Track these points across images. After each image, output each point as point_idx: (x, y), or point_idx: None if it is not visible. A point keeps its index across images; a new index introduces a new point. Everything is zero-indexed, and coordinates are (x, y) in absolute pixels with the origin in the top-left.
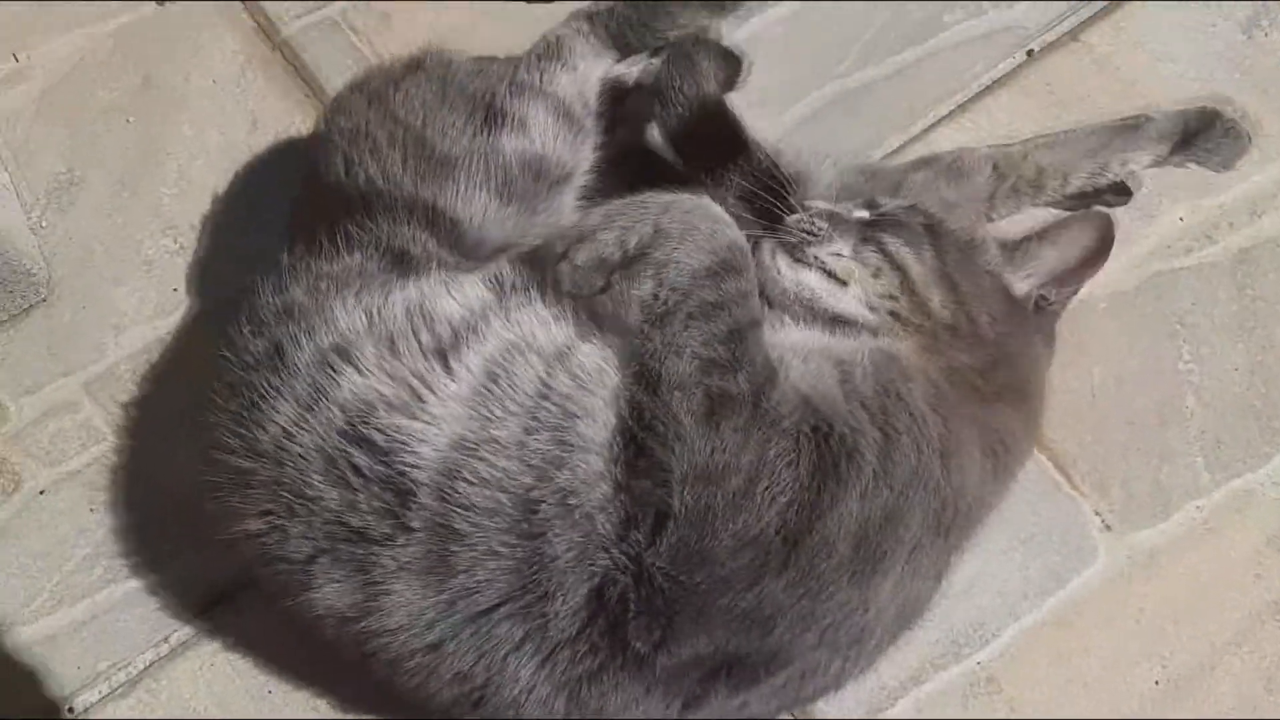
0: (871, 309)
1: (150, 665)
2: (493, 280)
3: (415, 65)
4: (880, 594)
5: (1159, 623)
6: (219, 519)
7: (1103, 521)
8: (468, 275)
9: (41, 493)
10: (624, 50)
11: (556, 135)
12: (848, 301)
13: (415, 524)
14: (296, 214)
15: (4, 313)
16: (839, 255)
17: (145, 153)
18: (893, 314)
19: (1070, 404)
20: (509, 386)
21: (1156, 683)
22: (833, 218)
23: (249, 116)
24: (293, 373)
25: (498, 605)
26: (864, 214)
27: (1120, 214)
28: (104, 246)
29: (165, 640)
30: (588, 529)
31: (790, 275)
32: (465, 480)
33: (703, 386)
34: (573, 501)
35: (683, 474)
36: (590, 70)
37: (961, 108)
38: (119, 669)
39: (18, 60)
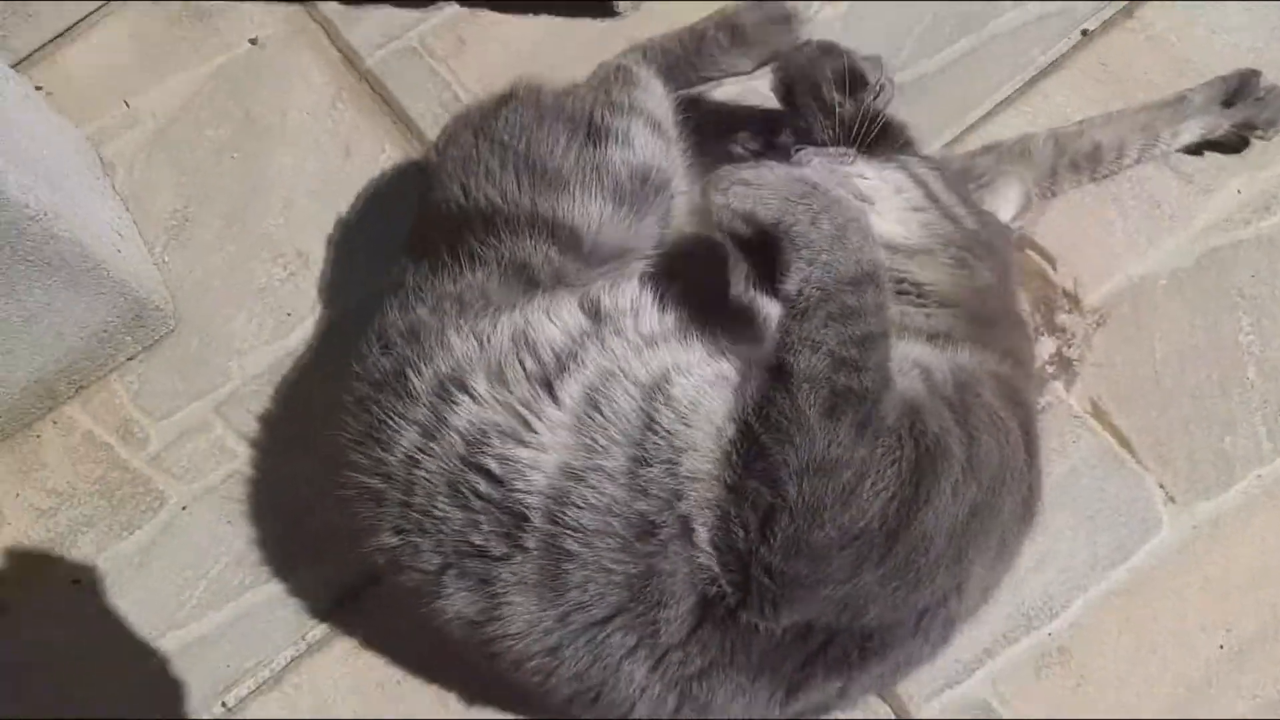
0: (902, 223)
1: (291, 661)
2: (589, 304)
3: (509, 96)
4: (971, 580)
5: (1223, 590)
6: (354, 531)
7: (1166, 494)
8: (566, 299)
9: (184, 509)
10: (673, 82)
11: (654, 145)
12: (879, 222)
13: (530, 544)
14: (416, 242)
15: (138, 345)
16: (863, 176)
17: (251, 186)
18: (924, 226)
19: (1132, 381)
20: (611, 414)
21: (1221, 647)
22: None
23: (343, 144)
24: (415, 398)
25: (611, 617)
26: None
27: (1177, 190)
28: (220, 277)
29: (303, 638)
30: (699, 539)
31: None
32: (575, 505)
33: (830, 382)
34: (695, 527)
35: (800, 466)
36: (662, 92)
37: (1019, 92)
38: (264, 666)
39: (128, 106)
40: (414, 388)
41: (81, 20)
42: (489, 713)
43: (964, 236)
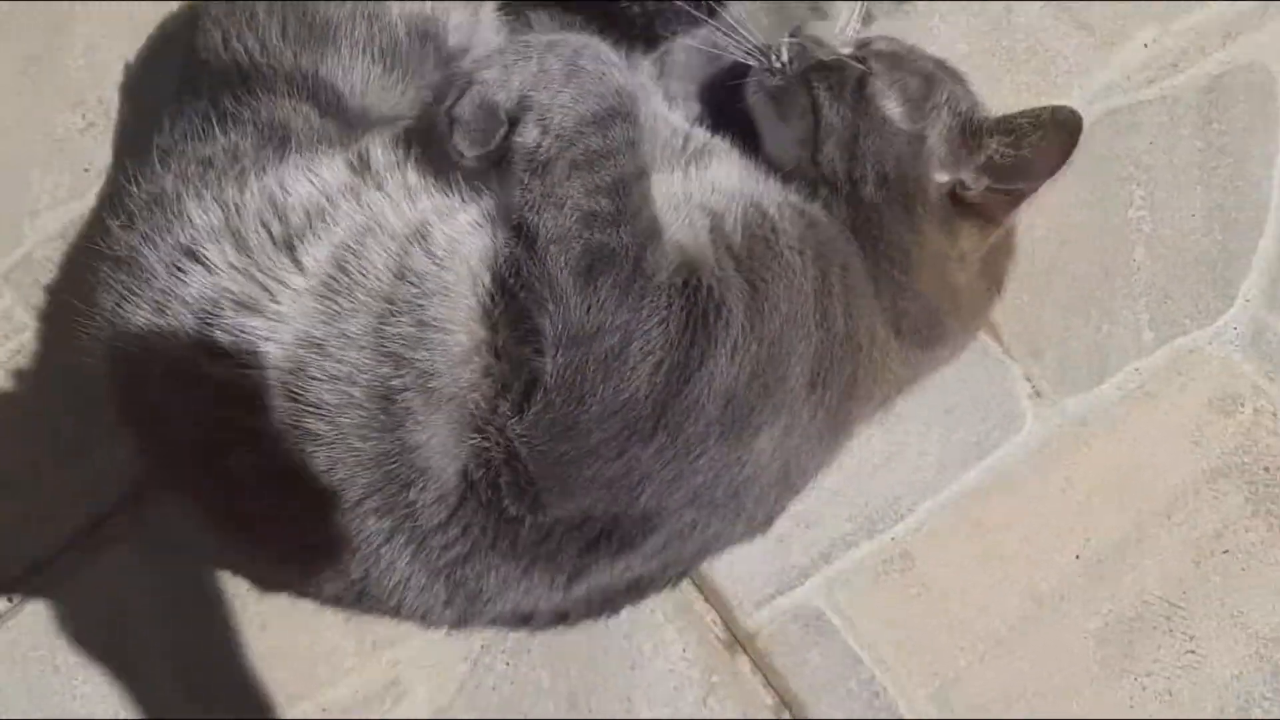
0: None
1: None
2: (357, 159)
3: None
4: (755, 450)
5: (1086, 495)
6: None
7: (1033, 387)
8: (329, 156)
9: None
10: None
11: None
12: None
13: (266, 427)
14: (177, 98)
15: None
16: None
17: (53, 25)
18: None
19: None
20: (360, 274)
21: (1077, 557)
22: (803, 52)
23: None
24: (150, 275)
25: (363, 499)
26: (847, 50)
27: (1076, 41)
28: (14, 126)
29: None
30: (455, 411)
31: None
32: (314, 378)
33: (583, 240)
34: (434, 384)
35: (556, 336)
36: None
37: None
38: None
39: None
40: (146, 263)
41: None
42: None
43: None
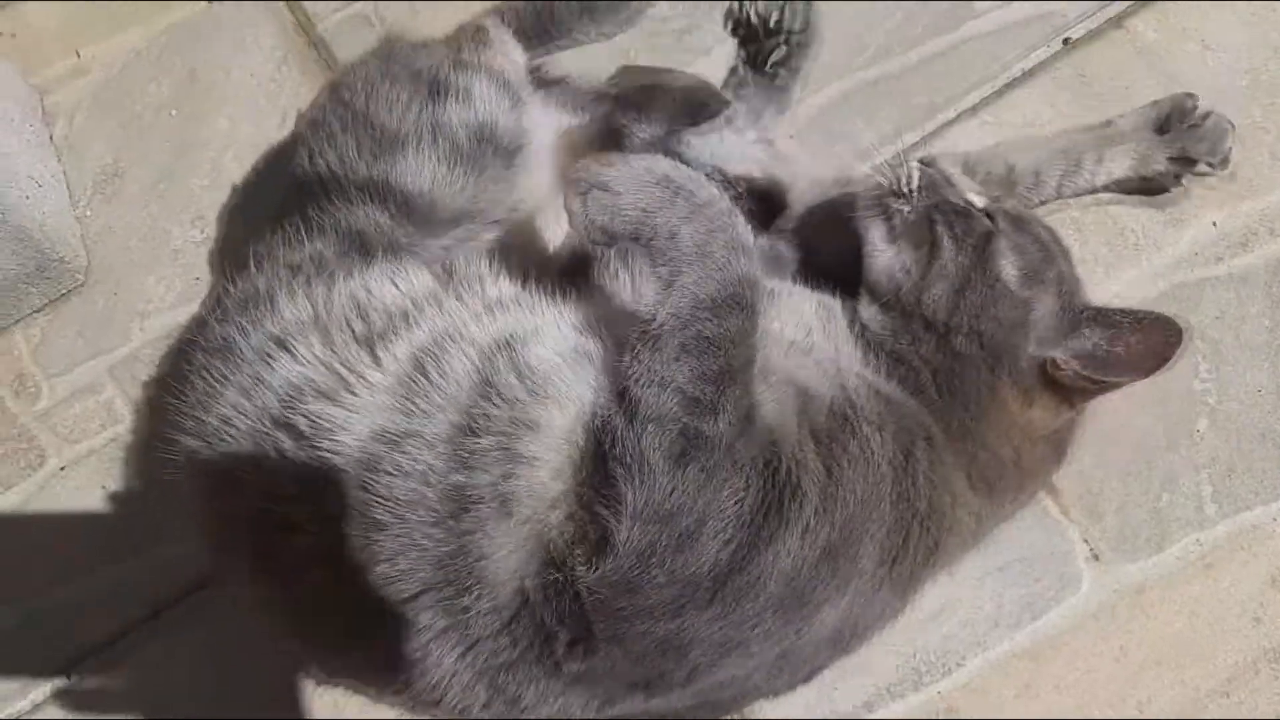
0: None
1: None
2: (441, 269)
3: (370, 54)
4: (814, 623)
5: (1141, 663)
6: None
7: (1091, 550)
8: (416, 263)
9: (61, 469)
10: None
11: (498, 104)
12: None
13: (335, 512)
14: (279, 211)
15: (43, 298)
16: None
17: (184, 145)
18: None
19: None
20: (439, 378)
21: None
22: (933, 186)
23: (281, 111)
24: (240, 361)
25: (420, 594)
26: (977, 200)
27: (1145, 218)
28: (139, 236)
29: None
30: (529, 541)
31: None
32: (386, 472)
33: (679, 425)
34: (514, 510)
35: (636, 509)
36: (516, 53)
37: (986, 101)
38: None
39: (79, 56)
40: (240, 351)
41: None
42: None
43: (919, 315)
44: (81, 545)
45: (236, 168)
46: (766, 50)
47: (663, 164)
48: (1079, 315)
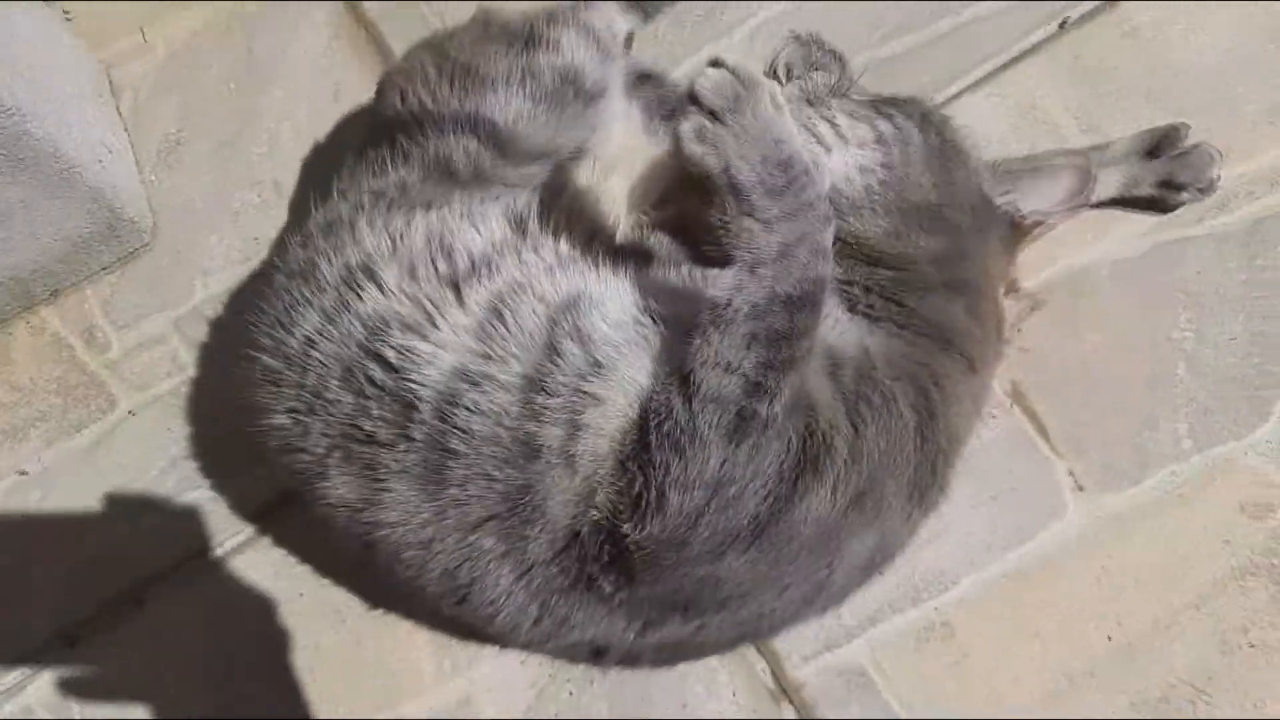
0: (849, 180)
1: (208, 563)
2: (515, 216)
3: (469, 22)
4: (844, 556)
5: (1120, 583)
6: (249, 411)
7: (1076, 482)
8: (492, 205)
9: (130, 413)
10: (642, 13)
11: (587, 53)
12: (831, 166)
13: (417, 435)
14: (358, 151)
15: (113, 256)
16: (833, 122)
17: (243, 117)
18: (867, 189)
19: (1058, 368)
20: (515, 327)
21: (1110, 638)
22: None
23: (333, 85)
24: (323, 286)
25: (486, 520)
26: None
27: None
28: (202, 200)
29: (222, 544)
30: (584, 488)
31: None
32: (465, 408)
33: (738, 407)
34: (575, 464)
35: (689, 480)
36: (615, 16)
37: (989, 76)
38: (181, 563)
39: (144, 36)
40: (323, 276)
41: None
42: (379, 622)
43: (911, 207)
44: (151, 482)
45: (292, 136)
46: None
47: (794, 144)
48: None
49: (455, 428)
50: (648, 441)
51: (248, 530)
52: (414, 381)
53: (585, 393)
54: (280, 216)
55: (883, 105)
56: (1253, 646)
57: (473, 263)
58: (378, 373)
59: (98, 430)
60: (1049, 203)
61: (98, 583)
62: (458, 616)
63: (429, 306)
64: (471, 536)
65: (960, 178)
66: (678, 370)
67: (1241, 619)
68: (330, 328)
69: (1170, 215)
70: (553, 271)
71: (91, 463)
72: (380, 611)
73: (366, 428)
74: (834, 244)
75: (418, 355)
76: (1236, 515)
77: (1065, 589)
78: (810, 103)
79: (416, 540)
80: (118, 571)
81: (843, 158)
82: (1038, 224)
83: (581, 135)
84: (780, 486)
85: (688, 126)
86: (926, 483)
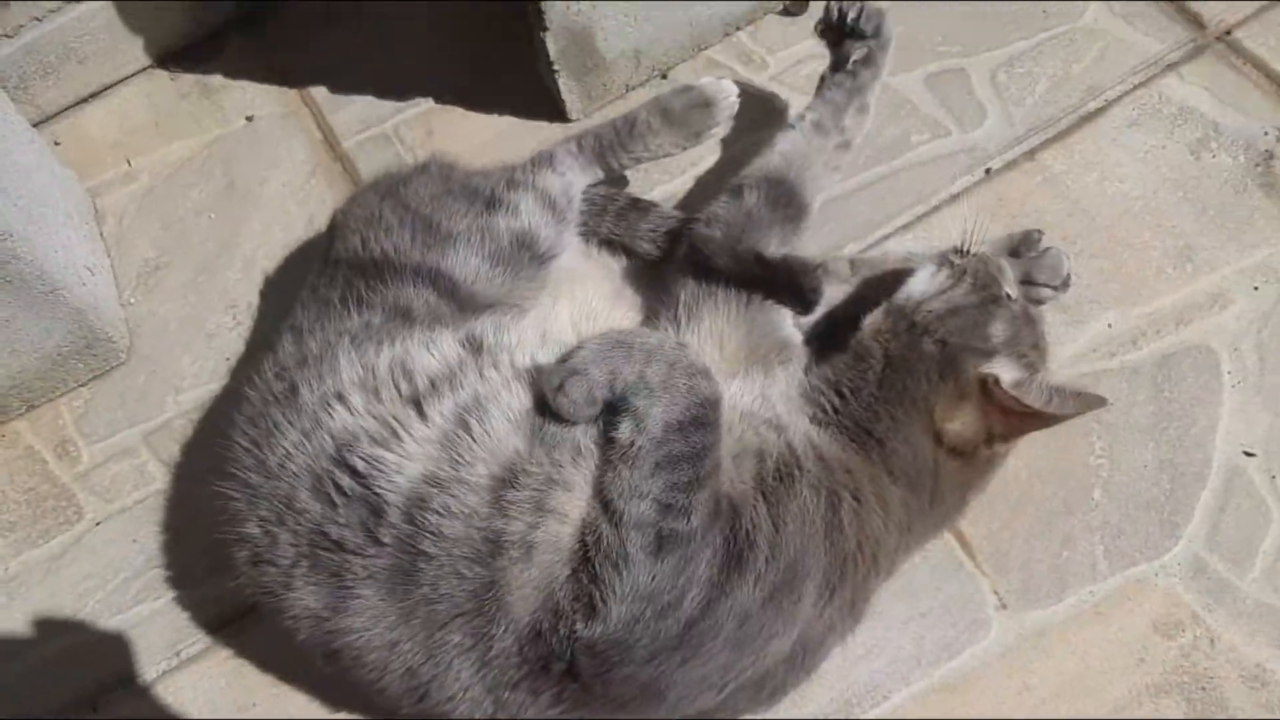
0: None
1: (162, 674)
2: (468, 340)
3: (421, 168)
4: (768, 654)
5: (1043, 696)
6: (220, 522)
7: (999, 599)
8: (445, 334)
9: (96, 524)
10: (607, 169)
11: (543, 219)
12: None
13: (386, 539)
14: (310, 288)
15: (89, 372)
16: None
17: (221, 244)
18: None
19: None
20: (481, 433)
21: None
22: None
23: (309, 215)
24: (301, 409)
25: (455, 617)
26: (1011, 289)
27: (1051, 319)
28: (177, 321)
29: (177, 654)
30: (544, 583)
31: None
32: (435, 511)
33: (656, 529)
34: (536, 556)
35: (623, 593)
36: (575, 179)
37: (918, 220)
38: (135, 676)
39: (130, 165)
40: (303, 400)
41: (106, 88)
42: None
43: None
44: (112, 592)
45: (268, 263)
46: (847, 51)
47: (611, 333)
48: (1024, 352)
49: (425, 531)
50: (589, 555)
51: (205, 640)
52: (381, 488)
53: (555, 480)
54: (253, 337)
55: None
56: None
57: (432, 382)
58: (346, 480)
59: (64, 540)
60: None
61: (54, 687)
62: (415, 715)
63: (393, 423)
64: (439, 634)
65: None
66: (601, 498)
67: None
68: (305, 443)
69: (1087, 349)
70: (510, 384)
71: (56, 571)
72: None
73: (334, 535)
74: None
75: (384, 464)
76: (1150, 634)
77: (990, 702)
78: None
79: (381, 642)
80: (74, 678)
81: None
82: None
83: (534, 290)
84: (712, 589)
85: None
86: (838, 583)
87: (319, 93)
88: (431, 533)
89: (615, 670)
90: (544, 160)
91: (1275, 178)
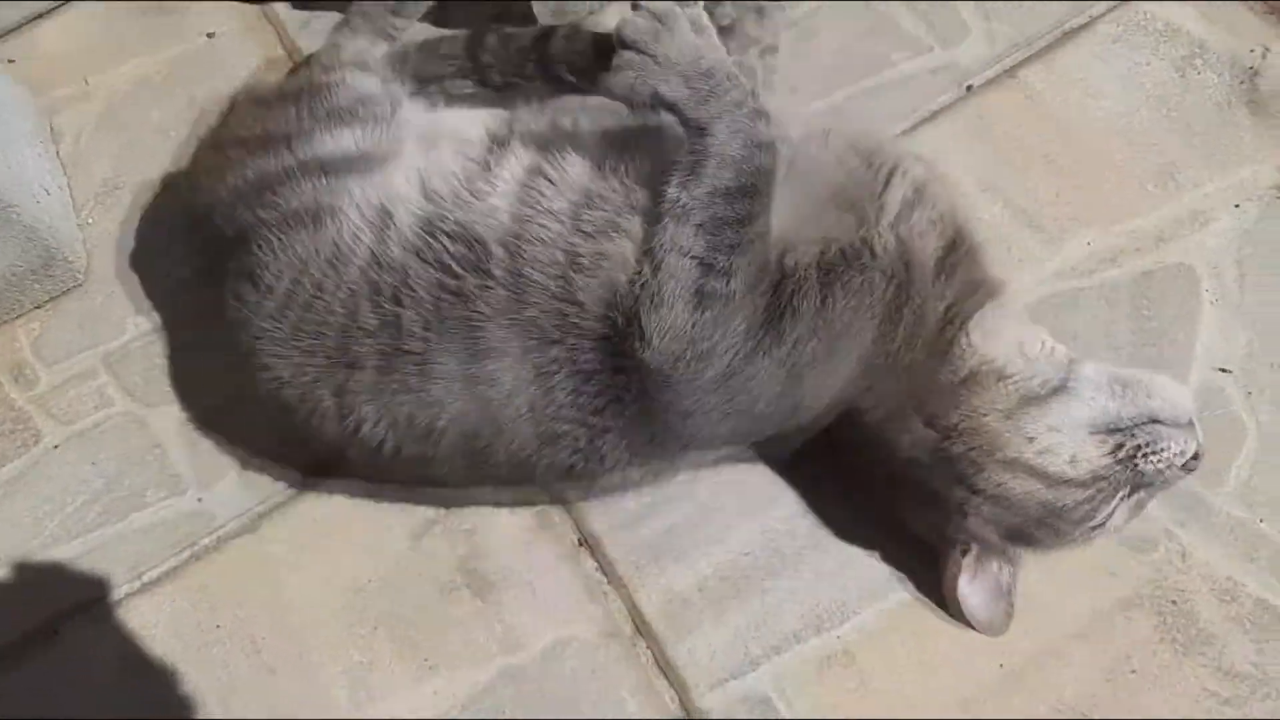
0: None
1: (124, 597)
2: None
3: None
4: (799, 408)
5: (1014, 613)
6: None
7: None
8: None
9: (55, 447)
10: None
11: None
12: None
13: (496, 272)
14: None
15: (46, 294)
16: None
17: (179, 162)
18: None
19: None
20: (563, 172)
21: (1001, 666)
22: None
23: None
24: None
25: (553, 343)
26: None
27: (1029, 237)
28: (136, 241)
29: (139, 577)
30: (613, 304)
31: None
32: (528, 240)
33: (696, 284)
34: (602, 273)
35: (663, 330)
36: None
37: (903, 135)
38: (95, 600)
39: (87, 84)
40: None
41: (61, 4)
42: (294, 652)
43: None
44: (71, 515)
45: None
46: None
47: (714, 55)
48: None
49: (525, 258)
50: (639, 288)
51: (168, 562)
52: (480, 232)
53: (628, 205)
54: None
55: None
56: (1135, 674)
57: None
58: (447, 243)
59: (21, 464)
60: None
61: (14, 613)
62: (510, 448)
63: (471, 184)
64: (536, 356)
65: None
66: (646, 245)
67: (1125, 648)
68: (385, 240)
69: (1065, 266)
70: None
71: (13, 494)
72: (297, 643)
73: (453, 286)
74: None
75: (475, 216)
76: (1121, 550)
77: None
78: None
79: (513, 379)
80: (34, 602)
81: None
82: None
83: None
84: (748, 343)
85: (616, 64)
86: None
87: (282, 8)
88: (528, 259)
89: (661, 394)
90: (332, 50)
91: (1260, 96)
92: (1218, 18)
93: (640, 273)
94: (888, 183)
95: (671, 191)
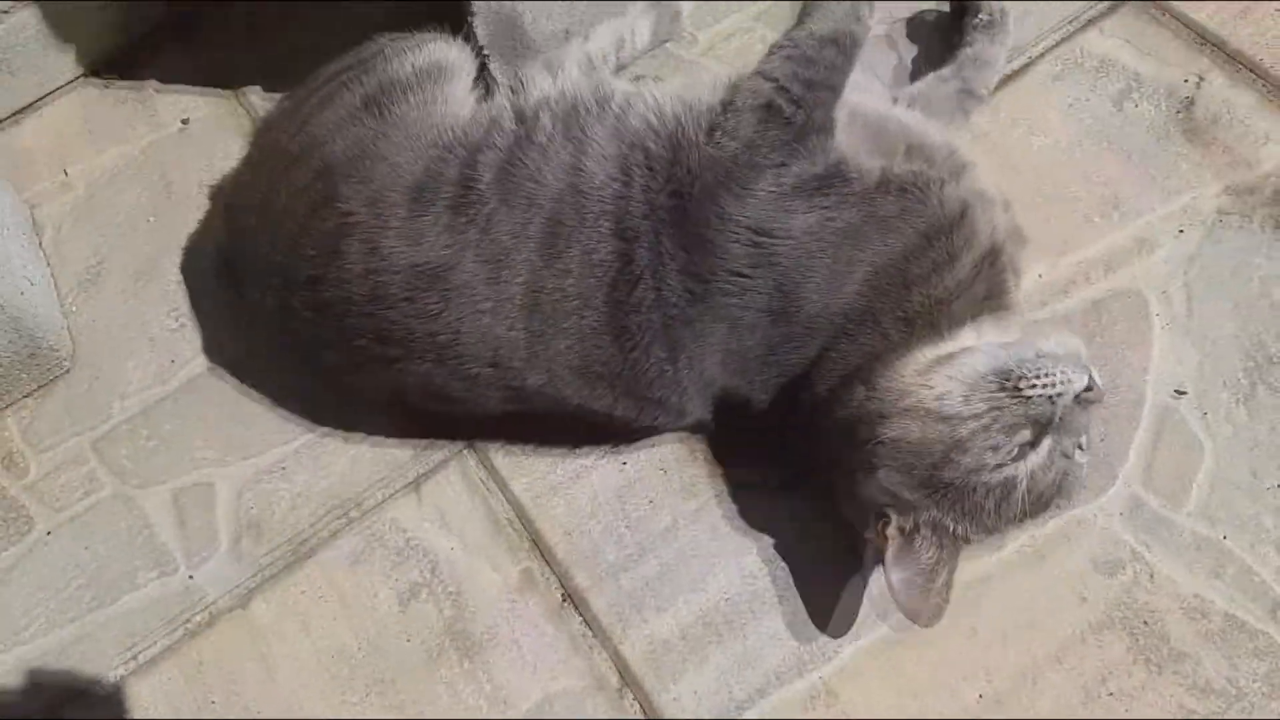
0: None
1: (121, 679)
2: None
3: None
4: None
5: (988, 640)
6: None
7: None
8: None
9: (48, 534)
10: None
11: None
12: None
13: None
14: None
15: (34, 383)
16: None
17: (161, 247)
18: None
19: None
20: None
21: (980, 696)
22: None
23: None
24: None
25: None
26: None
27: None
28: (119, 326)
29: (134, 658)
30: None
31: None
32: (634, 110)
33: (768, 100)
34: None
35: (728, 129)
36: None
37: None
38: (95, 683)
39: (66, 174)
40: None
41: (39, 100)
42: None
43: None
44: (67, 600)
45: (210, 266)
46: None
47: None
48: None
49: (629, 129)
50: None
51: (161, 642)
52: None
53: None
54: (196, 340)
55: None
56: (1111, 695)
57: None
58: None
59: (17, 552)
60: None
61: (13, 700)
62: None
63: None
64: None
65: None
66: (734, 83)
67: (1100, 670)
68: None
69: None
70: None
71: (9, 583)
72: (291, 713)
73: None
74: None
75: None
76: (1091, 572)
77: (939, 650)
78: None
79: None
80: (33, 688)
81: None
82: None
83: None
84: (795, 187)
85: None
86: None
87: (254, 93)
88: (631, 128)
89: (712, 191)
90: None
91: (1196, 124)
92: (1151, 50)
93: (725, 91)
94: (963, 169)
95: (780, 39)
